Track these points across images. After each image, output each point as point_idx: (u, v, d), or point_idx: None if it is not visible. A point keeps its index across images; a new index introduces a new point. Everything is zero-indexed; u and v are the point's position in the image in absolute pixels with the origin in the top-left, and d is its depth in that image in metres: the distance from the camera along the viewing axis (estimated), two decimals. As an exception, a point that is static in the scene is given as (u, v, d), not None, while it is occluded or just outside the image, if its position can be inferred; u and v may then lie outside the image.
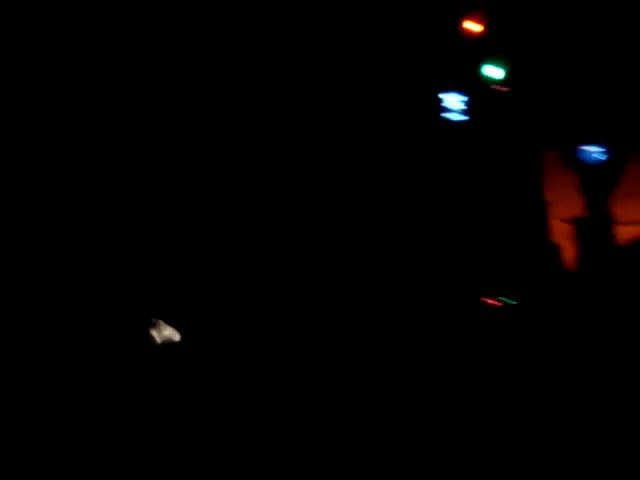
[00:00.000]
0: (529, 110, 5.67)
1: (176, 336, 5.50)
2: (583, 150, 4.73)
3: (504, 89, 5.34)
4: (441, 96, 5.36)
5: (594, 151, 4.85)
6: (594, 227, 4.94)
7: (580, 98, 5.95)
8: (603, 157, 4.50)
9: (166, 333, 5.54)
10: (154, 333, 5.45)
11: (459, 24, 5.35)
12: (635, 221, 5.10)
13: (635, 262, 4.11)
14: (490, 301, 4.75)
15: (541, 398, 3.37)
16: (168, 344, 5.11)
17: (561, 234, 5.59)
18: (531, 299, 4.73)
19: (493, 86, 5.33)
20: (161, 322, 5.17)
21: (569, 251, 5.24)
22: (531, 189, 5.61)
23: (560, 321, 4.14)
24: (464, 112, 5.42)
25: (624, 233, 4.93)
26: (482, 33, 5.33)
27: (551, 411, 3.23)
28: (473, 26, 5.28)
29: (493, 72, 5.34)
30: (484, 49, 5.33)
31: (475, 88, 5.43)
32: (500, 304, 4.74)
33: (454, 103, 5.41)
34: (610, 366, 3.55)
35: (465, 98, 5.39)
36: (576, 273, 4.90)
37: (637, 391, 3.31)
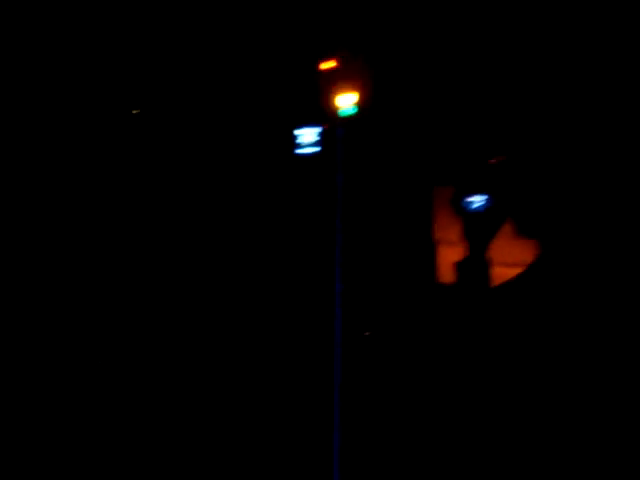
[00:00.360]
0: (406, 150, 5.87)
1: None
2: (467, 198, 4.95)
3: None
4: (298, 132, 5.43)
5: (477, 200, 5.13)
6: (473, 269, 5.13)
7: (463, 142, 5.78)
8: (485, 205, 4.77)
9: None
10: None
11: (316, 62, 5.50)
12: (511, 263, 5.38)
13: (509, 302, 4.25)
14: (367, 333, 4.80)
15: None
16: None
17: (447, 273, 5.79)
18: (410, 330, 4.95)
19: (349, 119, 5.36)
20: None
21: (452, 289, 5.44)
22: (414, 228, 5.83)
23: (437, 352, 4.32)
24: (319, 145, 5.49)
25: (501, 274, 5.20)
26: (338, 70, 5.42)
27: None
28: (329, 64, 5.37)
29: (346, 106, 5.35)
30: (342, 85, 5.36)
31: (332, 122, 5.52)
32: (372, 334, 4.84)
33: (309, 137, 5.56)
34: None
35: (319, 132, 5.44)
36: (453, 309, 5.08)
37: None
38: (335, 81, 5.53)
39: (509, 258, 5.62)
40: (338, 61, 5.53)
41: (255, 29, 5.63)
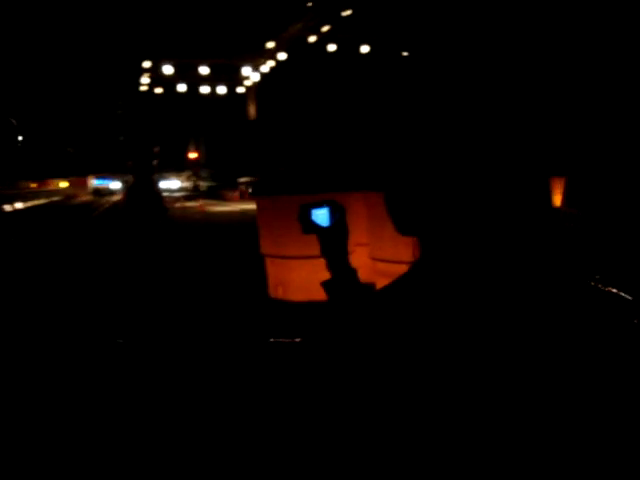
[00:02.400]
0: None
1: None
2: (312, 213, 4.88)
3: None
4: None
5: (322, 213, 5.17)
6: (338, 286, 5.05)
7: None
8: (330, 218, 4.73)
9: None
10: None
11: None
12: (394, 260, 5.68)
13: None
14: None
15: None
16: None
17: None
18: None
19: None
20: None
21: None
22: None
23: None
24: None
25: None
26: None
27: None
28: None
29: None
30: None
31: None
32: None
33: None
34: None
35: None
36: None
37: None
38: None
39: (391, 255, 5.94)
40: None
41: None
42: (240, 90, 33.84)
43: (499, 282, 0.93)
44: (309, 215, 1.72)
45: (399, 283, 1.04)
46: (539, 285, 0.94)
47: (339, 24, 21.67)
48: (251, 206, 28.07)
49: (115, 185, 39.20)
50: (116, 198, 33.86)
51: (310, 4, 20.49)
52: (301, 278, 6.15)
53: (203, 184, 37.16)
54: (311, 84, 26.51)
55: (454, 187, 0.95)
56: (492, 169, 0.92)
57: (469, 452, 0.87)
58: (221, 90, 33.54)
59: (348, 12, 19.89)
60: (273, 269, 6.40)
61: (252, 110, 33.46)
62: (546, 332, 0.90)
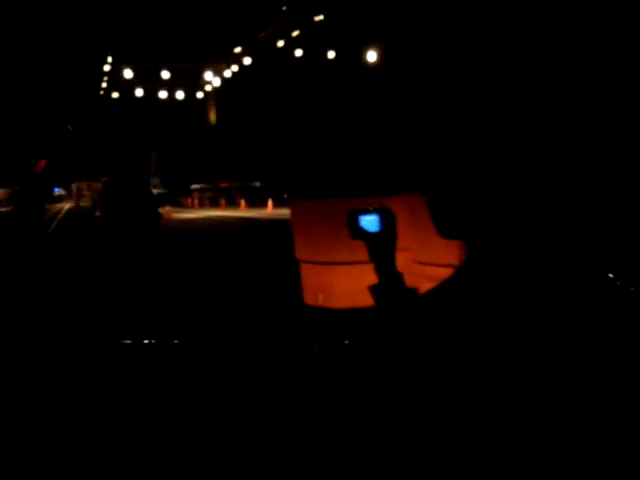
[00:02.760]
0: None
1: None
2: (362, 219, 4.76)
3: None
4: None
5: (371, 220, 5.00)
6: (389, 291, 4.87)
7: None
8: (380, 225, 4.73)
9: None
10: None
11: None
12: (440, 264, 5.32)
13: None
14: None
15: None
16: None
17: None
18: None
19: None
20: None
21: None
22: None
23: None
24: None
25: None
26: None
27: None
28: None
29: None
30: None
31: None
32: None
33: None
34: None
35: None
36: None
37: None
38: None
39: (437, 259, 5.35)
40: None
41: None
42: (200, 95, 33.43)
43: (539, 286, 0.94)
44: (358, 221, 1.66)
45: (445, 287, 1.07)
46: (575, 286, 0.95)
47: (309, 29, 21.62)
48: (218, 213, 27.38)
49: (61, 192, 38.33)
50: (68, 206, 32.84)
51: (284, 8, 20.40)
52: (346, 284, 5.99)
53: (154, 191, 36.43)
54: (276, 89, 26.39)
55: (498, 191, 0.92)
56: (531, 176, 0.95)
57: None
58: (180, 95, 33.05)
59: (320, 17, 19.87)
60: (313, 275, 6.21)
61: (212, 115, 33.12)
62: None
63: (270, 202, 25.98)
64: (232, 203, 29.59)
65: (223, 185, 32.18)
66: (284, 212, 24.23)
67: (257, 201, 28.57)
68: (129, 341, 4.97)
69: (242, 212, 24.81)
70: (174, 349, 4.88)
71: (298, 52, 23.84)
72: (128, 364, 4.52)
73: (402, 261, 6.82)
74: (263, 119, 27.37)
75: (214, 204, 30.46)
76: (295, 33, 22.35)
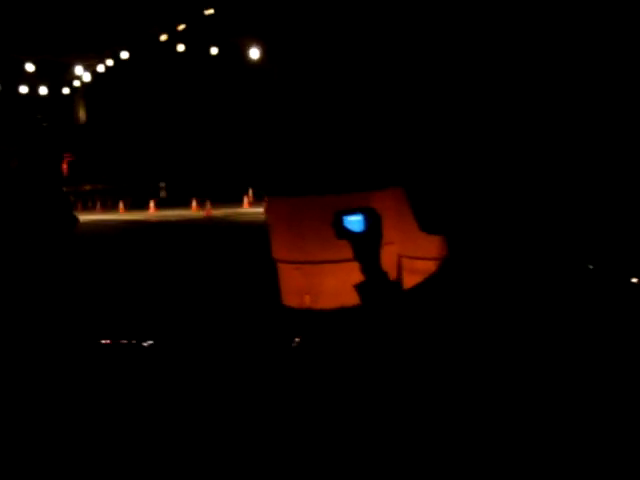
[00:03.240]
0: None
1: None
2: (346, 220, 5.06)
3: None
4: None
5: (356, 220, 5.39)
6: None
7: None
8: (364, 225, 5.06)
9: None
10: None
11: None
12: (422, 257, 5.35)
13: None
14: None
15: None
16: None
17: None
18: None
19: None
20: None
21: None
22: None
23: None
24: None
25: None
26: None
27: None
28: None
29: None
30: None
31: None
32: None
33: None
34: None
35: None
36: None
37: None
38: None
39: (423, 252, 5.21)
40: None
41: None
42: (66, 91, 31.30)
43: (523, 279, 0.99)
44: (342, 222, 1.77)
45: (430, 282, 1.09)
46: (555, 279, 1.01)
47: (195, 23, 20.92)
48: (94, 217, 26.25)
49: None
50: None
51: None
52: (332, 284, 5.71)
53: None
54: (155, 84, 25.33)
55: (479, 185, 0.95)
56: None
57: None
58: (44, 90, 30.79)
59: (211, 11, 19.25)
60: (296, 276, 5.85)
61: (82, 113, 31.09)
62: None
63: (152, 204, 25.09)
64: (107, 206, 28.30)
65: (87, 188, 30.80)
66: (168, 214, 23.71)
67: (137, 203, 27.52)
68: (107, 341, 4.70)
69: (122, 215, 23.93)
70: (147, 350, 4.59)
71: (181, 47, 23.06)
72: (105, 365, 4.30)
73: (387, 255, 6.76)
74: (141, 116, 26.19)
75: (87, 208, 28.94)
76: (181, 27, 21.54)
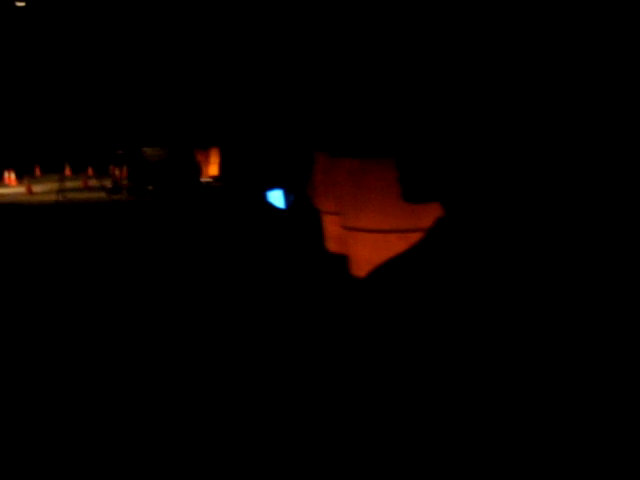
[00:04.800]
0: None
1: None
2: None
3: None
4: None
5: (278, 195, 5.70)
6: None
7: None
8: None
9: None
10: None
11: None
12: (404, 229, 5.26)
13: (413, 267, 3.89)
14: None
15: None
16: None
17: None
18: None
19: None
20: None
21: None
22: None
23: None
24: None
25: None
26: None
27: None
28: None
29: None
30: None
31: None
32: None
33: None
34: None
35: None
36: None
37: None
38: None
39: (402, 224, 5.42)
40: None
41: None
42: None
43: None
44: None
45: (421, 247, 1.42)
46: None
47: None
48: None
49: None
50: None
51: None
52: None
53: None
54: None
55: (470, 158, 1.37)
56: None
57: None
58: None
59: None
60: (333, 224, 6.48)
61: None
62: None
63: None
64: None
65: None
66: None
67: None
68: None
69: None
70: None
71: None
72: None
73: (327, 225, 6.77)
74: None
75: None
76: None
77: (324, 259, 6.01)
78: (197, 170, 13.42)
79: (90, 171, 22.23)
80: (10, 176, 19.95)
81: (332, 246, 6.50)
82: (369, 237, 5.43)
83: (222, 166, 16.49)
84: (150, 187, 12.96)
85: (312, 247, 6.28)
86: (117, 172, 18.85)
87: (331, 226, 6.40)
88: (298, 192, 6.03)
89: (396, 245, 5.10)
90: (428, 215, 4.87)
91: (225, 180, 15.88)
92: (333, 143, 5.86)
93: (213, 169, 18.44)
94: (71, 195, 15.11)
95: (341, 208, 5.92)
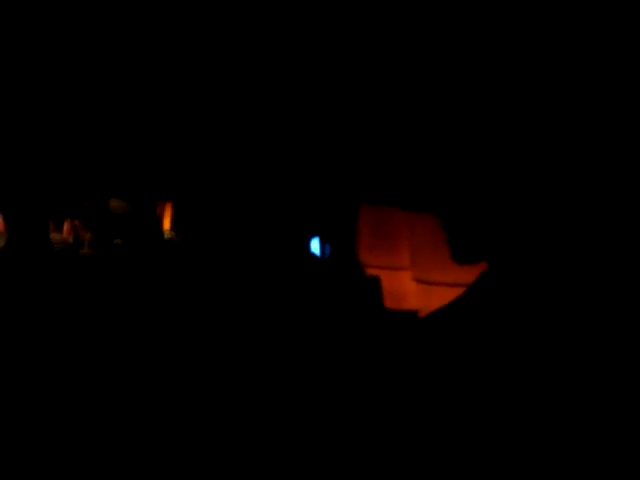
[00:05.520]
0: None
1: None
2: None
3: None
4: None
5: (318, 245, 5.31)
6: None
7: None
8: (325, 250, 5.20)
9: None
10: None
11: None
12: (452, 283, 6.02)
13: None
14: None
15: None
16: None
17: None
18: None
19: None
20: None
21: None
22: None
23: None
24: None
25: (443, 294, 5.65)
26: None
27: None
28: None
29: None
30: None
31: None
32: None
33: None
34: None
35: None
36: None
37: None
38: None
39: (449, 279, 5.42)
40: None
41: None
42: None
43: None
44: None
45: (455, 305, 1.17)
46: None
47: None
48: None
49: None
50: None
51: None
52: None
53: None
54: None
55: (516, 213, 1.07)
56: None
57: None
58: None
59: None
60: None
61: None
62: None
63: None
64: None
65: None
66: None
67: None
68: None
69: None
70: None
71: None
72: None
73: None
74: None
75: None
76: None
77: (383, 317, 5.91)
78: (159, 224, 12.63)
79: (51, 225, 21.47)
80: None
81: (396, 303, 5.94)
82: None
83: (175, 220, 15.57)
84: (118, 241, 11.88)
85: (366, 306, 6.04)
86: (77, 225, 18.26)
87: (396, 282, 6.07)
88: (336, 242, 5.71)
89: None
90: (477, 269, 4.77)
91: (182, 235, 15.15)
92: (388, 195, 5.70)
93: (166, 223, 17.30)
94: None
95: (414, 262, 5.62)
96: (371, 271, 6.43)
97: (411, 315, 6.27)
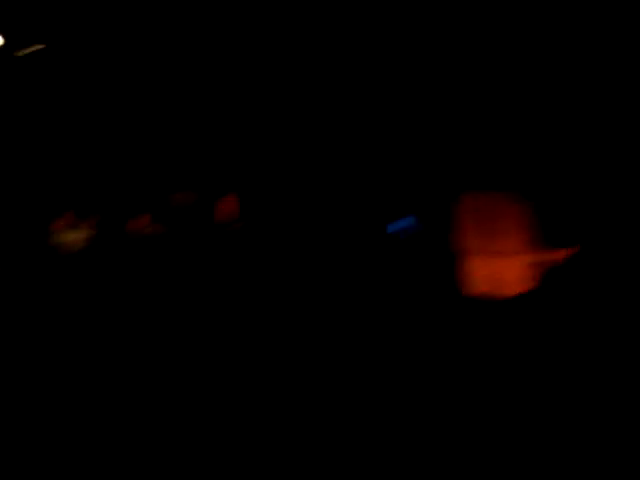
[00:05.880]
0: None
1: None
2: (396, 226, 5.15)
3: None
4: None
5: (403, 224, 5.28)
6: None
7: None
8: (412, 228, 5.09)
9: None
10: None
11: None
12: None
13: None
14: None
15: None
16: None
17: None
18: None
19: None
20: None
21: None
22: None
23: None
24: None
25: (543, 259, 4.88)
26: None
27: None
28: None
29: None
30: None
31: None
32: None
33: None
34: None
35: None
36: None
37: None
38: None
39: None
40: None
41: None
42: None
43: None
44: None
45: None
46: None
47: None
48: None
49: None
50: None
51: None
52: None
53: None
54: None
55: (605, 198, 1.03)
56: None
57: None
58: None
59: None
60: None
61: None
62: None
63: None
64: None
65: None
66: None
67: None
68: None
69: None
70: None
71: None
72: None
73: (509, 266, 6.88)
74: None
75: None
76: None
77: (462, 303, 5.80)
78: (223, 216, 13.01)
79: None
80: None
81: (477, 288, 5.90)
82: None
83: (242, 210, 15.85)
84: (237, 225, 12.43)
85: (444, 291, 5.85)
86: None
87: (503, 268, 5.77)
88: (429, 225, 5.68)
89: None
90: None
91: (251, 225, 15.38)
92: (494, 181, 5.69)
93: (231, 214, 17.63)
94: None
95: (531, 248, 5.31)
96: (473, 257, 6.38)
97: (501, 304, 6.17)
